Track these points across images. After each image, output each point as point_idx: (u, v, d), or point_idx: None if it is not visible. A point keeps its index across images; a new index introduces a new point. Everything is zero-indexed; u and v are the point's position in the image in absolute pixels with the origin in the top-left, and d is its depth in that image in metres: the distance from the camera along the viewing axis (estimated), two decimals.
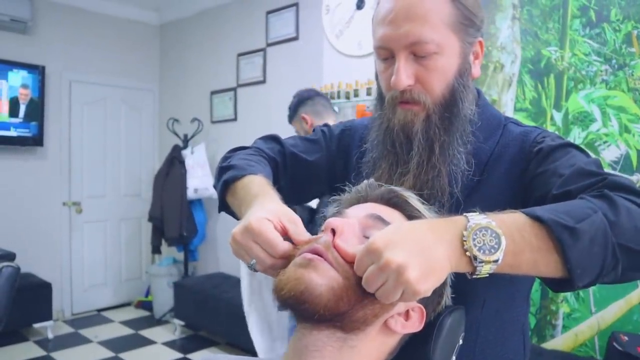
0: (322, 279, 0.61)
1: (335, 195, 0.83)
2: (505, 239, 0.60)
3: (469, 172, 0.83)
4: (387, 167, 0.86)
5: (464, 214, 0.63)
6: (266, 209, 0.72)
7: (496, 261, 0.59)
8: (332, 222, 0.66)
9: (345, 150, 1.03)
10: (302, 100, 2.46)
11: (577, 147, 0.81)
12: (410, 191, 0.76)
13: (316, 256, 0.63)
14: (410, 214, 0.73)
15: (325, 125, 1.10)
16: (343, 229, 0.65)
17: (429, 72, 0.81)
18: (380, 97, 0.89)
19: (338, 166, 1.02)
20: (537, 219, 0.61)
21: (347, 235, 0.66)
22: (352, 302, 0.62)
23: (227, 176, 0.90)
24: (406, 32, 0.78)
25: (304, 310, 0.61)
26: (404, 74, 0.80)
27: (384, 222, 0.68)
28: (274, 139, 1.07)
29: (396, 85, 0.80)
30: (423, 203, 0.75)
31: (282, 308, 0.64)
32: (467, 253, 0.60)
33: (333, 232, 0.65)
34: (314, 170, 1.02)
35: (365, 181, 0.79)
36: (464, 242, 0.59)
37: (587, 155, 0.80)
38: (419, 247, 0.58)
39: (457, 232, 0.60)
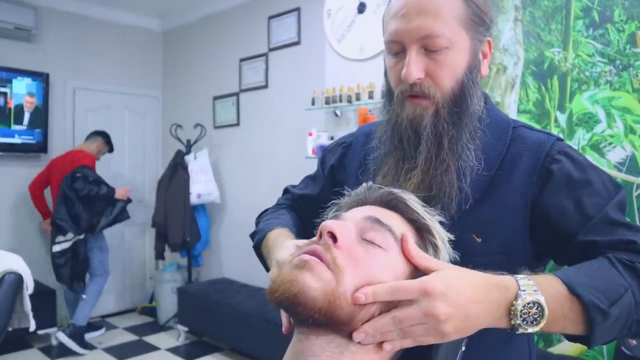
0: (317, 282, 0.59)
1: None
2: (548, 314, 0.64)
3: (478, 168, 0.82)
4: (393, 163, 0.86)
5: (516, 278, 0.65)
6: (274, 260, 0.80)
7: (534, 331, 0.65)
8: (329, 224, 0.64)
9: (343, 164, 1.04)
10: None
11: (597, 172, 0.82)
12: (411, 194, 0.75)
13: (313, 257, 0.62)
14: (410, 217, 0.71)
15: (325, 149, 1.13)
16: (341, 231, 0.64)
17: (439, 67, 0.81)
18: (389, 93, 0.89)
19: (338, 183, 1.03)
20: (577, 295, 0.66)
21: (346, 238, 0.64)
22: (348, 308, 0.60)
23: (254, 242, 1.04)
24: (418, 26, 0.79)
25: (298, 313, 0.60)
26: (415, 67, 0.80)
27: (382, 225, 0.67)
28: (285, 190, 1.20)
29: (407, 77, 0.81)
30: (423, 205, 0.73)
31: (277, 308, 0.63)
32: (512, 321, 0.64)
33: (332, 235, 0.64)
34: (322, 201, 1.02)
35: (364, 184, 0.78)
36: (511, 312, 0.63)
37: (610, 185, 0.81)
38: (464, 312, 0.61)
39: (507, 303, 0.64)
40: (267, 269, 0.95)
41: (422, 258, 0.65)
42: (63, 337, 3.77)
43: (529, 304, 0.63)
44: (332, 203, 0.83)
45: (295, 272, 0.61)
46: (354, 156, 1.03)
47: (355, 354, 0.63)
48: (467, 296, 0.61)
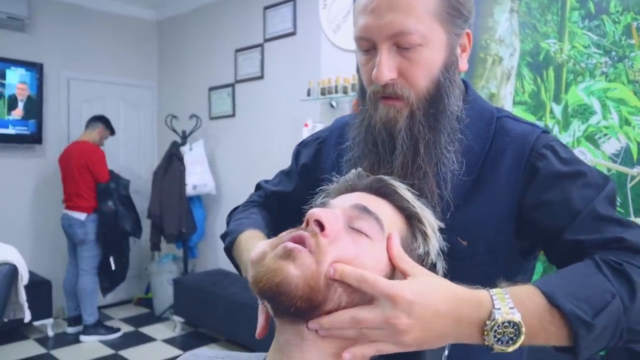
0: (297, 269, 0.59)
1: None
2: (525, 330, 0.60)
3: (459, 173, 0.78)
4: (368, 167, 0.80)
5: (491, 294, 0.61)
6: (248, 263, 0.75)
7: (512, 350, 0.61)
8: (316, 212, 0.63)
9: (318, 160, 1.00)
10: None
11: (584, 165, 0.78)
12: (400, 180, 0.73)
13: (296, 245, 0.61)
14: (399, 204, 0.70)
15: (300, 143, 1.08)
16: (328, 219, 0.63)
17: (412, 65, 0.75)
18: (362, 91, 0.83)
19: (313, 180, 0.97)
20: (557, 307, 0.61)
21: (333, 226, 0.63)
22: (329, 294, 0.60)
23: (225, 244, 0.97)
24: (389, 22, 0.73)
25: (280, 302, 0.59)
26: (386, 67, 0.74)
27: (370, 213, 0.66)
28: (258, 186, 1.15)
29: (378, 79, 0.75)
30: (413, 192, 0.72)
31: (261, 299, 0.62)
32: (485, 342, 0.60)
33: (319, 223, 0.62)
34: (296, 197, 0.99)
35: (354, 170, 0.76)
36: (485, 332, 0.60)
37: (598, 178, 0.77)
38: (428, 326, 0.58)
39: (479, 321, 0.60)
40: (239, 272, 0.93)
41: (401, 260, 0.63)
42: (88, 338, 3.87)
43: (504, 323, 0.59)
44: (321, 189, 0.80)
45: (279, 262, 0.60)
46: (327, 154, 0.98)
47: (335, 342, 0.62)
48: (434, 309, 0.58)
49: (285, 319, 0.63)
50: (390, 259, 0.64)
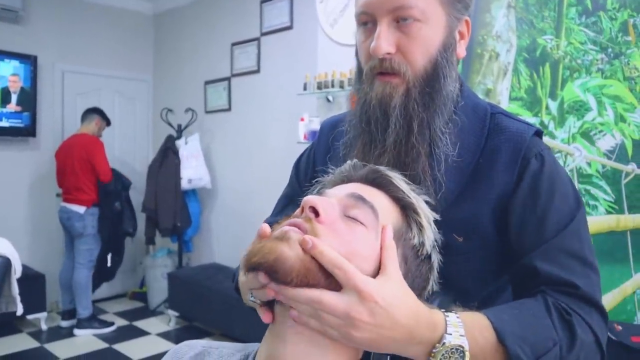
0: (292, 250, 0.58)
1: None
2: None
3: (453, 155, 0.78)
4: (361, 147, 0.81)
5: (445, 317, 0.63)
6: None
7: None
8: (311, 199, 0.63)
9: (315, 162, 0.99)
10: None
11: (565, 184, 0.78)
12: (396, 171, 0.73)
13: (292, 227, 0.61)
14: (394, 195, 0.70)
15: (295, 162, 1.06)
16: (324, 206, 0.63)
17: (411, 41, 0.76)
18: (359, 72, 0.84)
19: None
20: (504, 346, 0.64)
21: (329, 213, 0.63)
22: (318, 277, 0.59)
23: (234, 283, 0.90)
24: None
25: (276, 279, 0.59)
26: (385, 40, 0.75)
27: (365, 202, 0.66)
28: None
29: (376, 50, 0.75)
30: (408, 183, 0.72)
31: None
32: None
33: (314, 210, 0.63)
34: None
35: (349, 161, 0.76)
36: (432, 354, 0.62)
37: (573, 202, 0.77)
38: (383, 332, 0.59)
39: (429, 342, 0.62)
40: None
41: (388, 252, 0.63)
42: (82, 332, 3.88)
43: (452, 348, 0.61)
44: (316, 181, 0.80)
45: (275, 242, 0.60)
46: (319, 143, 0.99)
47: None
48: (394, 320, 0.59)
49: (284, 305, 0.63)
50: (380, 248, 0.64)
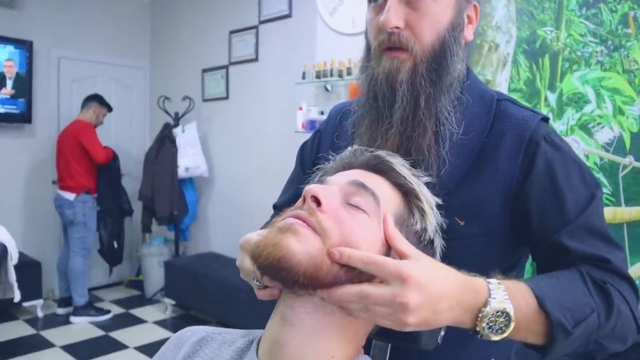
0: (301, 246, 0.59)
1: None
2: (514, 324, 0.63)
3: (458, 132, 0.79)
4: (368, 124, 0.82)
5: (488, 283, 0.63)
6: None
7: (496, 339, 0.63)
8: (312, 189, 0.63)
9: (319, 148, 1.00)
10: None
11: (579, 165, 0.79)
12: (397, 156, 0.73)
13: (297, 220, 0.61)
14: (396, 181, 0.70)
15: (301, 145, 1.07)
16: (325, 195, 0.63)
17: (420, 17, 0.77)
18: (368, 51, 0.85)
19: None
20: (545, 311, 0.65)
21: (330, 202, 0.63)
22: (333, 270, 0.60)
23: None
24: None
25: (282, 278, 0.59)
26: (394, 14, 0.76)
27: (366, 189, 0.66)
28: (274, 207, 1.08)
29: (385, 23, 0.76)
30: (409, 169, 0.72)
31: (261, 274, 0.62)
32: (477, 327, 0.62)
33: (316, 199, 0.63)
34: None
35: (350, 148, 0.76)
36: (478, 318, 0.62)
37: (591, 180, 0.79)
38: (435, 307, 0.59)
39: (475, 307, 0.62)
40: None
41: (398, 241, 0.63)
42: (78, 320, 3.89)
43: (497, 312, 0.61)
44: (317, 168, 0.80)
45: (279, 236, 0.60)
46: (327, 126, 1.00)
47: (334, 315, 0.63)
48: (442, 291, 0.59)
49: (290, 295, 0.63)
50: (387, 240, 0.64)
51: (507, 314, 0.61)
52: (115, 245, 4.19)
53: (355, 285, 0.60)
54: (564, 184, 0.77)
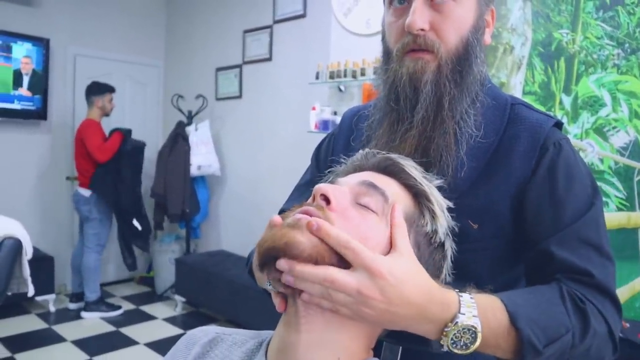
0: (304, 236, 0.59)
1: None
2: (480, 341, 0.62)
3: (477, 136, 0.79)
4: (388, 126, 0.82)
5: (459, 297, 0.62)
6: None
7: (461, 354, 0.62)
8: (322, 187, 0.63)
9: (334, 151, 0.99)
10: None
11: (582, 174, 0.78)
12: (409, 159, 0.73)
13: (304, 215, 0.61)
14: (406, 182, 0.70)
15: (315, 149, 1.06)
16: (334, 194, 0.63)
17: (444, 19, 0.78)
18: (387, 55, 0.84)
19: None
20: (516, 329, 0.64)
21: (340, 201, 0.63)
22: (333, 262, 0.59)
23: (247, 267, 0.93)
24: None
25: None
26: (420, 16, 0.76)
27: (376, 189, 0.66)
28: (280, 212, 1.08)
29: (411, 25, 0.76)
30: (421, 171, 0.72)
31: (263, 267, 0.62)
32: (441, 342, 0.62)
33: (325, 198, 0.63)
34: None
35: (361, 150, 0.76)
36: (444, 332, 0.61)
37: (592, 190, 0.77)
38: (393, 310, 0.59)
39: (441, 321, 0.61)
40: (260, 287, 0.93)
41: (398, 231, 0.63)
42: (89, 315, 3.93)
43: (464, 328, 0.61)
44: (329, 171, 0.80)
45: (286, 229, 0.60)
46: (341, 130, 0.99)
47: (339, 321, 0.63)
48: (405, 298, 0.58)
49: (295, 293, 0.63)
50: (390, 226, 0.64)
51: (474, 331, 0.61)
52: (139, 226, 4.12)
53: (321, 266, 0.58)
54: (563, 191, 0.76)
